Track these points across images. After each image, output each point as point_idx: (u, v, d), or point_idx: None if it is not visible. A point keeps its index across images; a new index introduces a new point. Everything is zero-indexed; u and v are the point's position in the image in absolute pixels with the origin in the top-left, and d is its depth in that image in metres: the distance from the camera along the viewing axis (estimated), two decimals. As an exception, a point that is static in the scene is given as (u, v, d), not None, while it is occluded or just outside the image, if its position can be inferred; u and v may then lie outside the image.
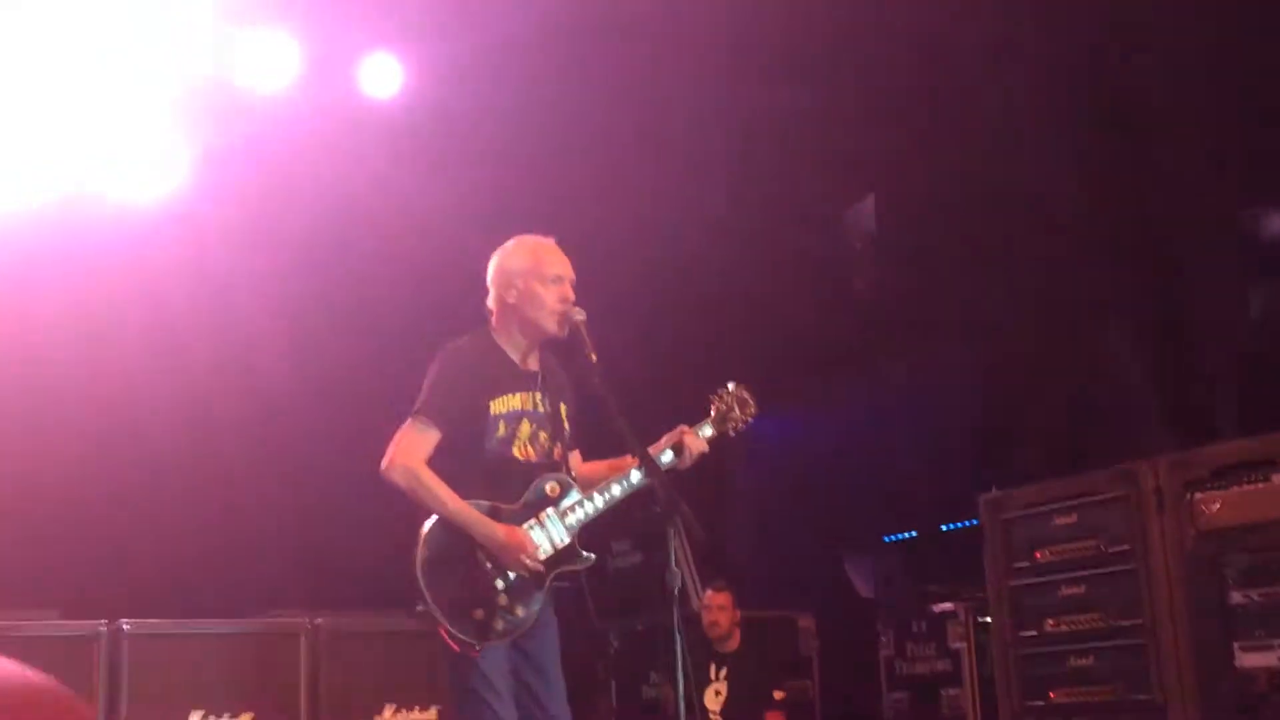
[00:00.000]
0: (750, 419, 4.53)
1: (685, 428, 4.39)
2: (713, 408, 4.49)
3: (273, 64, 6.77)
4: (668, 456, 4.33)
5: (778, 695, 7.28)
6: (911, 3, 6.83)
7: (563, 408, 4.43)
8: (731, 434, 4.51)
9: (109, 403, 7.41)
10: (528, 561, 4.15)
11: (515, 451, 4.30)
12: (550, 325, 4.33)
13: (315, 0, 6.77)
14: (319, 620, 6.29)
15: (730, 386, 4.53)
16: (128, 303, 7.30)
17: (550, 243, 4.44)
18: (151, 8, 6.39)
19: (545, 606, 4.31)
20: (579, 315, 4.27)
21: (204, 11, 6.54)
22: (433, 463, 4.22)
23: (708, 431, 4.43)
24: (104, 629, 5.93)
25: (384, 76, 7.14)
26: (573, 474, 4.39)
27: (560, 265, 4.38)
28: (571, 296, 4.34)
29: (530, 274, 4.35)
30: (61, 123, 6.48)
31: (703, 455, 4.38)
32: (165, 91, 6.65)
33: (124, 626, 5.94)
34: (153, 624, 6.04)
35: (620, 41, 6.88)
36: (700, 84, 7.16)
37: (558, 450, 4.39)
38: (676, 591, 3.78)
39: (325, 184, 7.22)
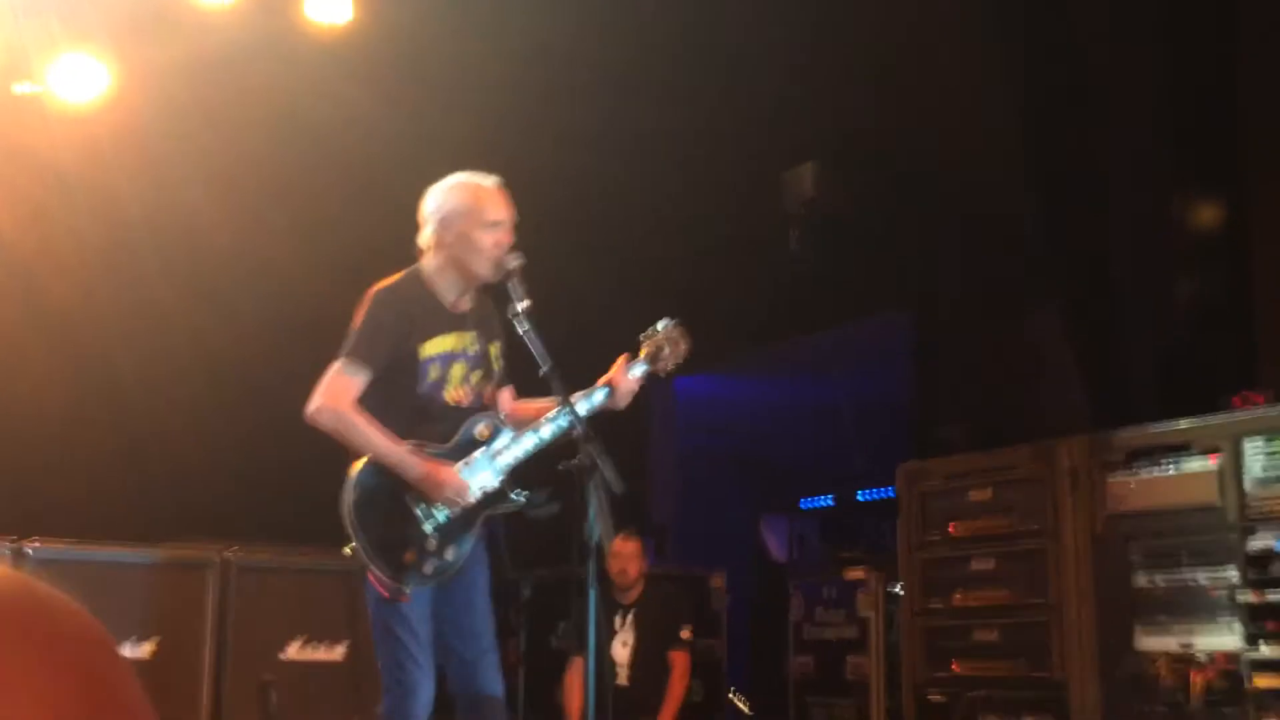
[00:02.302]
0: (682, 358, 4.50)
1: (622, 362, 4.39)
2: (643, 348, 4.46)
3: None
4: (600, 396, 4.32)
5: (684, 634, 7.33)
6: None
7: (494, 347, 4.39)
8: (662, 374, 4.49)
9: (27, 317, 7.27)
10: (458, 497, 4.15)
11: (447, 395, 4.28)
12: (484, 271, 4.27)
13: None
14: (229, 552, 6.23)
15: (660, 325, 4.49)
16: (67, 211, 7.17)
17: (491, 184, 4.35)
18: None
19: (477, 544, 4.31)
20: (514, 262, 4.22)
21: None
22: (365, 406, 4.18)
23: (638, 371, 4.41)
24: (7, 548, 5.82)
25: (329, 3, 7.02)
26: (503, 415, 4.38)
27: (499, 209, 4.30)
28: (508, 241, 4.28)
29: (469, 217, 4.27)
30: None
31: (633, 393, 4.38)
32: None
33: (27, 549, 5.84)
34: (58, 547, 5.95)
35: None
36: (649, 39, 7.11)
37: (489, 391, 4.38)
38: (593, 545, 3.78)
39: (276, 101, 7.11)
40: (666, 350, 4.46)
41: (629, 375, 4.37)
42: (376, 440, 4.13)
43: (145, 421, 7.64)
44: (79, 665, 0.75)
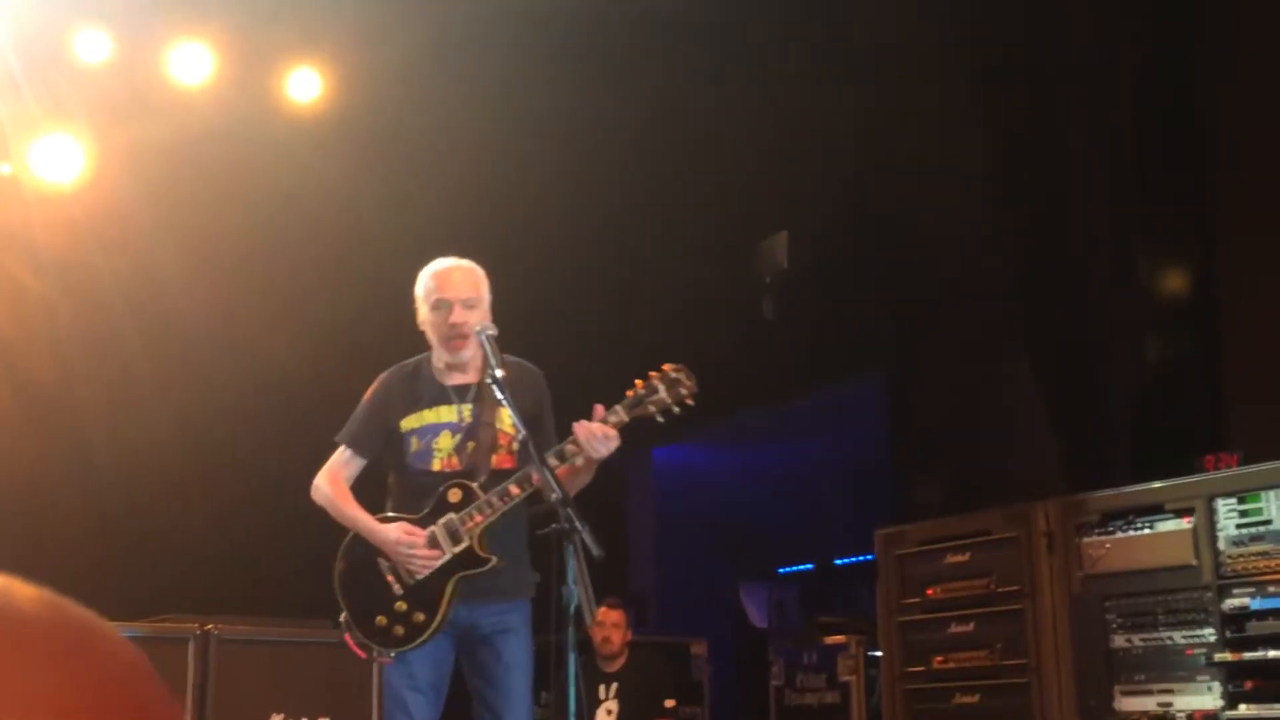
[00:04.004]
0: (684, 398, 4.21)
1: (601, 409, 4.16)
2: (630, 392, 4.19)
3: (191, 61, 6.76)
4: (567, 447, 4.17)
5: (668, 704, 7.32)
6: (830, 45, 6.97)
7: (504, 415, 4.24)
8: (659, 417, 4.19)
9: (4, 394, 7.28)
10: (411, 554, 4.22)
11: (435, 464, 4.36)
12: (441, 351, 4.38)
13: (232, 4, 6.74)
14: (209, 626, 6.20)
15: (666, 368, 4.23)
16: (44, 290, 7.21)
17: (446, 266, 4.40)
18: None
19: (509, 613, 4.33)
20: (487, 331, 4.26)
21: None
22: (386, 481, 4.45)
23: (614, 417, 4.15)
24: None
25: (304, 83, 7.11)
26: (481, 480, 4.27)
27: (446, 289, 4.33)
28: (459, 320, 4.28)
29: (424, 300, 4.40)
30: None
31: (609, 440, 4.10)
32: (79, 77, 6.60)
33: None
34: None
35: (542, 61, 6.93)
36: (620, 111, 7.21)
37: (495, 459, 4.31)
38: (572, 611, 3.79)
39: (252, 179, 7.17)
40: (661, 391, 4.18)
41: (598, 421, 4.13)
42: (350, 512, 4.36)
43: (122, 497, 7.62)
44: (98, 679, 0.74)
